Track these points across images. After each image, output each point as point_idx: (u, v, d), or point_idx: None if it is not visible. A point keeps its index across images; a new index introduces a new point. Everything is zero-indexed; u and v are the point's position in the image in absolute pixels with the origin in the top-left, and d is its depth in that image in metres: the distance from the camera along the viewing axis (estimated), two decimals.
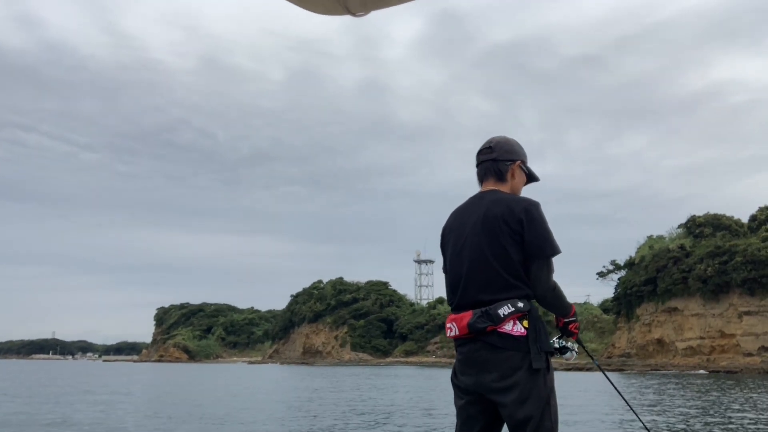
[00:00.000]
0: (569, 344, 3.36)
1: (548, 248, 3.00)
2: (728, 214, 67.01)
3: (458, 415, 3.11)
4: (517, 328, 2.92)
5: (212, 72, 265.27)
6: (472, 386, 2.99)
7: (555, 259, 3.07)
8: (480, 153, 3.28)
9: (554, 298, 3.09)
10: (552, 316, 3.26)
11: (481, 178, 3.27)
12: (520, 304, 2.93)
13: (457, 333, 3.01)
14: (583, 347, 3.52)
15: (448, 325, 3.07)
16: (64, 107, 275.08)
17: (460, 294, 3.08)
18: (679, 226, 69.53)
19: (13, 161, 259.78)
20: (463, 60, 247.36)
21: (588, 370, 54.92)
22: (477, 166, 3.30)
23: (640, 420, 3.88)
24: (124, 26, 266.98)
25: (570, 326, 3.23)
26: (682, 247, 63.38)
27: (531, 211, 3.01)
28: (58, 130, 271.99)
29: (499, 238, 2.99)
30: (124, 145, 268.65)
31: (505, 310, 2.91)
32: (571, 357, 3.34)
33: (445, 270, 3.26)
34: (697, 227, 66.34)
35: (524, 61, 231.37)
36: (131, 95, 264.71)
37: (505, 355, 2.90)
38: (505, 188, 3.20)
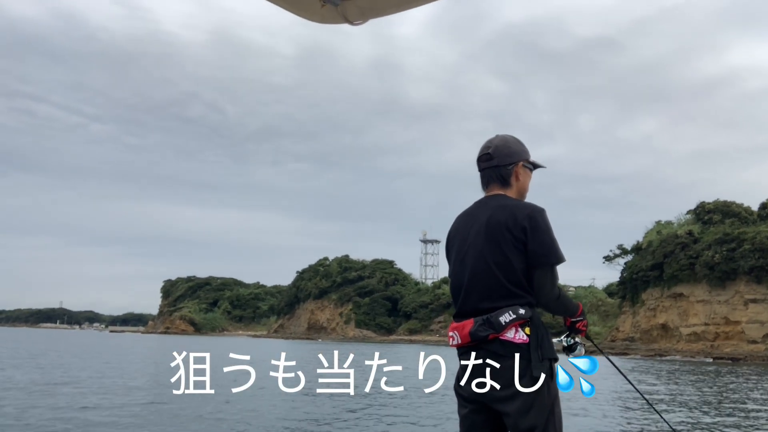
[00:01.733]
0: (577, 339, 3.34)
1: (552, 257, 2.94)
2: (738, 201, 66.64)
3: (462, 424, 3.07)
4: (519, 336, 2.87)
5: (223, 46, 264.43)
6: (476, 395, 2.95)
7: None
8: (480, 160, 3.19)
9: (559, 305, 3.07)
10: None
11: (485, 184, 3.20)
12: (522, 311, 2.89)
13: (460, 341, 2.98)
14: (593, 342, 3.50)
15: (451, 333, 3.04)
16: (75, 78, 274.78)
17: (461, 302, 3.04)
18: (688, 212, 69.18)
19: (23, 131, 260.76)
20: (475, 39, 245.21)
21: (592, 352, 54.93)
22: (479, 171, 3.22)
23: (657, 411, 3.84)
24: None
25: (578, 324, 3.21)
26: (690, 233, 63.12)
27: (535, 218, 2.94)
28: (68, 100, 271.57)
29: (501, 246, 2.93)
30: (133, 118, 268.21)
31: (506, 317, 2.87)
32: (580, 354, 3.33)
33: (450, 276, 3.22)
34: (706, 213, 65.97)
35: (537, 42, 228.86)
36: (142, 67, 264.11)
37: (508, 363, 2.86)
38: (511, 192, 3.13)
